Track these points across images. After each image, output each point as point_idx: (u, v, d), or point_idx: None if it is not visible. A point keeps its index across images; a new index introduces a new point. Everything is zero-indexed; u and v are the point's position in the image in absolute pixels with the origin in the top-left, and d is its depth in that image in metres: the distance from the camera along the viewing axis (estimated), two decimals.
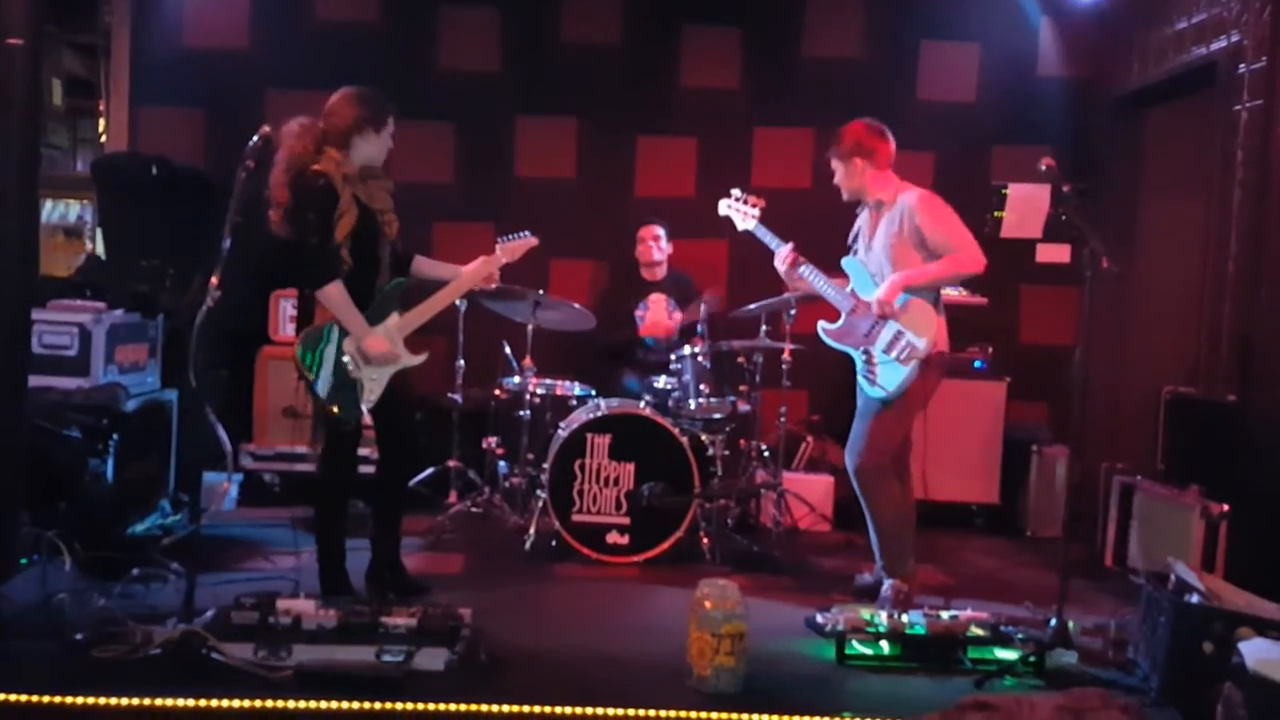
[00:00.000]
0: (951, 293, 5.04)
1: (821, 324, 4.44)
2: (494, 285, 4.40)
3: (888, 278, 4.25)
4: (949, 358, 4.40)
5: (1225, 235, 4.93)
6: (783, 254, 4.46)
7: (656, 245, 5.82)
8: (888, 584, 4.30)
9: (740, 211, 4.62)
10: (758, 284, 5.34)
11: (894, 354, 4.24)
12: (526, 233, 4.46)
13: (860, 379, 4.37)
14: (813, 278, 4.43)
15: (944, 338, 4.30)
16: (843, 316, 4.41)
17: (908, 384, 4.22)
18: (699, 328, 5.14)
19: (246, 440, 5.59)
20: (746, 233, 4.60)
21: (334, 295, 3.83)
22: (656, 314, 5.83)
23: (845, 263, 4.47)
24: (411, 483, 4.79)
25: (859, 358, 4.35)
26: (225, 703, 3.04)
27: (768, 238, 4.53)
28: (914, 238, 4.25)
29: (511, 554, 4.87)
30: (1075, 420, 4.14)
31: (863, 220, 4.50)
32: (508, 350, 5.42)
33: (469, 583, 4.46)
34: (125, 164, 5.79)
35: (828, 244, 4.61)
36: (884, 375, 4.26)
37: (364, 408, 3.96)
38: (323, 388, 3.87)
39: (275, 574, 4.24)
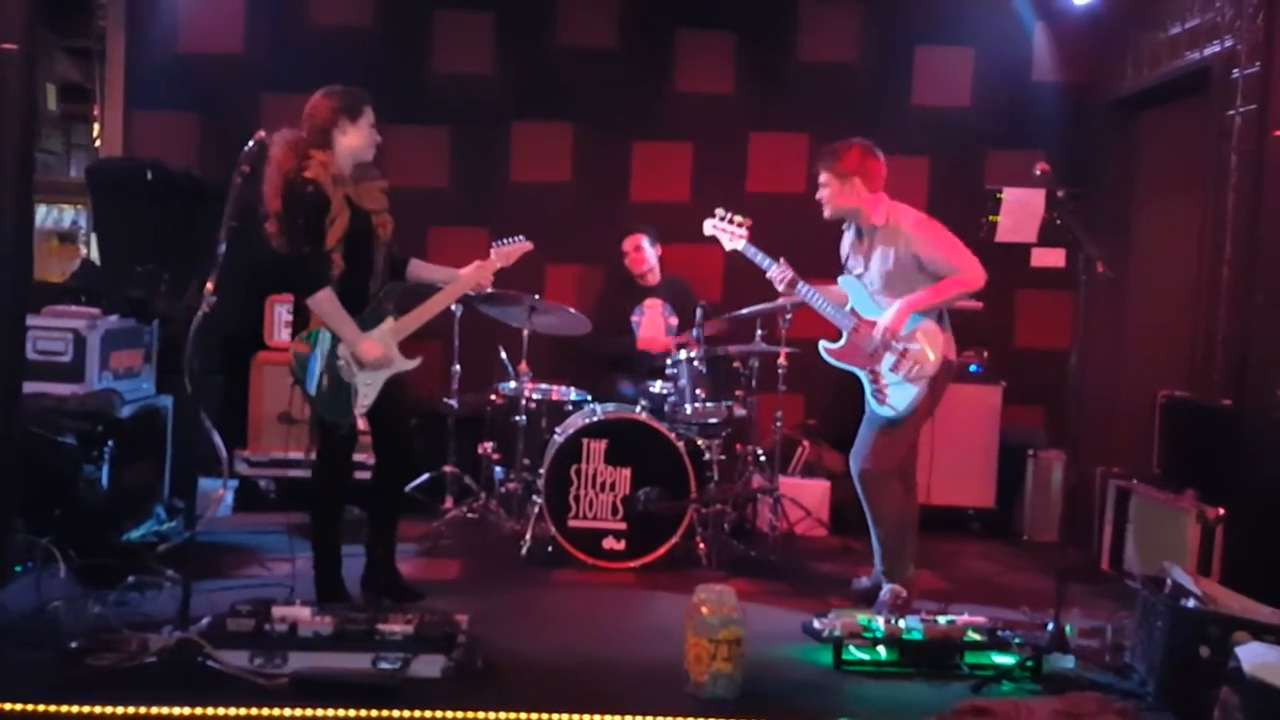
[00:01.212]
0: None
1: (823, 344, 4.42)
2: (488, 290, 4.39)
3: (893, 304, 4.22)
4: (955, 366, 4.40)
5: (1220, 240, 4.94)
6: (777, 275, 4.41)
7: (639, 255, 5.82)
8: (886, 588, 4.29)
9: (727, 231, 4.54)
10: (753, 289, 5.33)
11: (901, 373, 4.23)
12: (521, 237, 4.45)
13: (869, 399, 4.34)
14: (811, 298, 4.39)
15: (951, 348, 4.30)
16: (844, 336, 4.38)
17: (918, 402, 4.22)
18: (694, 332, 5.14)
19: (242, 446, 5.58)
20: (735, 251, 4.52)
21: (324, 303, 3.82)
22: (652, 320, 5.83)
23: (842, 282, 4.45)
24: (407, 488, 4.77)
25: (865, 377, 4.33)
26: (221, 711, 3.03)
27: (758, 257, 4.46)
28: (912, 263, 4.23)
29: (507, 560, 4.86)
30: (1071, 424, 4.15)
31: (851, 240, 4.47)
32: (503, 355, 5.41)
33: (465, 589, 4.45)
34: (120, 169, 5.78)
35: (823, 250, 4.61)
36: (894, 395, 4.25)
37: (357, 413, 3.95)
38: (316, 392, 3.86)
39: (271, 581, 4.23)
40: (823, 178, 4.38)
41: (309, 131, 3.88)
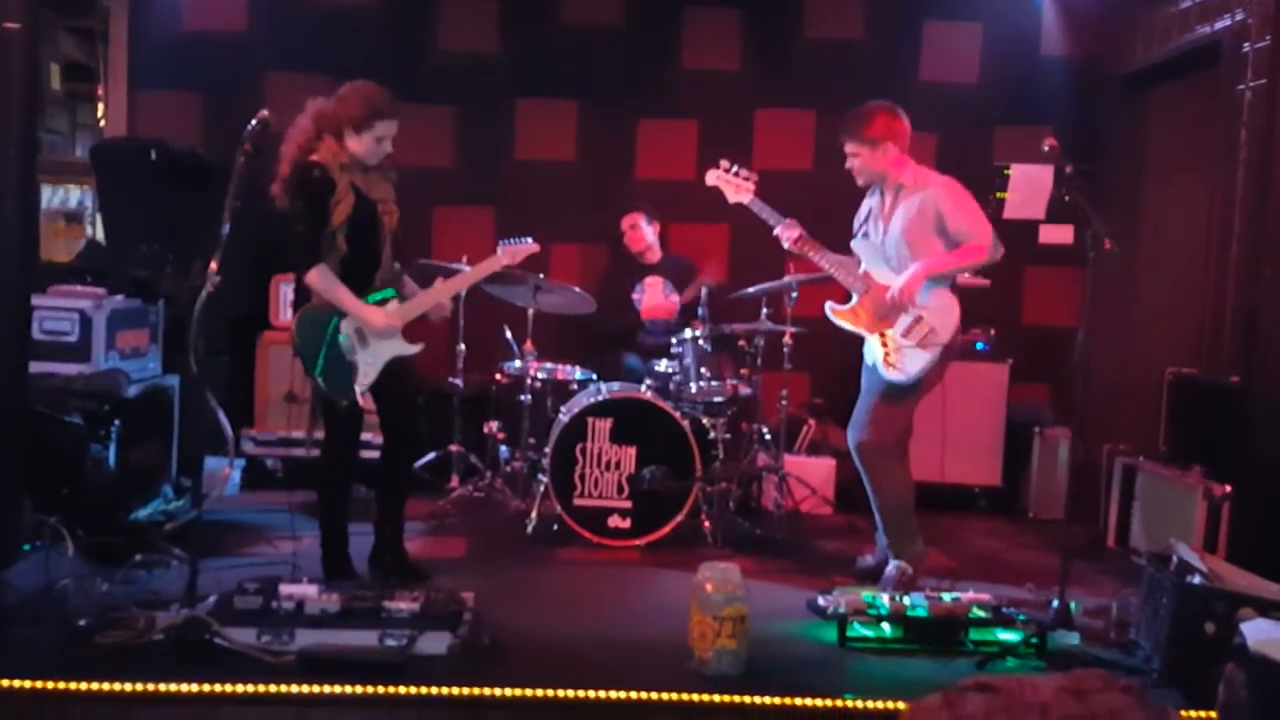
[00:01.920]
0: None
1: (830, 305, 4.37)
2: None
3: (909, 268, 4.18)
4: (961, 341, 4.37)
5: (1229, 215, 4.91)
6: (785, 233, 4.35)
7: (636, 233, 5.81)
8: (893, 565, 4.29)
9: (732, 184, 4.40)
10: (759, 266, 5.32)
11: (914, 338, 4.20)
12: (529, 239, 4.45)
13: (874, 362, 4.29)
14: (820, 259, 4.34)
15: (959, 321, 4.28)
16: (854, 298, 4.35)
17: (928, 369, 4.19)
18: (699, 311, 5.13)
19: (248, 425, 5.60)
20: (743, 208, 4.40)
21: (320, 278, 3.84)
22: (653, 297, 5.82)
23: (856, 244, 4.40)
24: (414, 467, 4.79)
25: (873, 341, 4.29)
26: (229, 687, 3.05)
27: (764, 212, 4.36)
28: (935, 224, 4.19)
29: (513, 538, 4.87)
30: (1078, 402, 4.14)
31: (874, 203, 4.40)
32: (508, 334, 5.41)
33: (471, 567, 4.46)
34: (124, 149, 5.77)
35: (831, 225, 4.57)
36: (906, 361, 4.19)
37: (358, 389, 3.95)
38: (317, 369, 3.87)
39: (278, 559, 4.24)
40: (850, 147, 4.29)
41: (332, 115, 3.87)
